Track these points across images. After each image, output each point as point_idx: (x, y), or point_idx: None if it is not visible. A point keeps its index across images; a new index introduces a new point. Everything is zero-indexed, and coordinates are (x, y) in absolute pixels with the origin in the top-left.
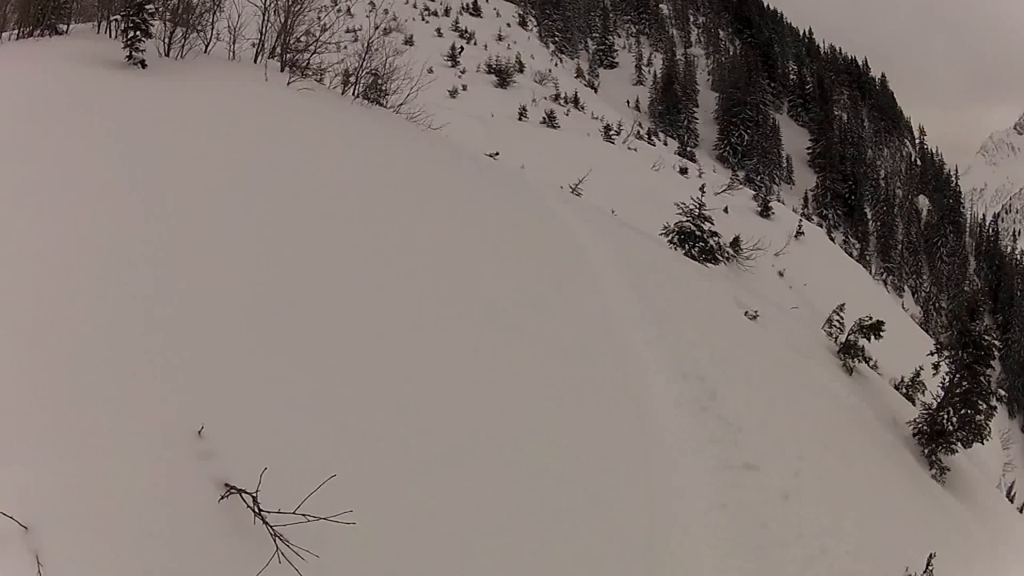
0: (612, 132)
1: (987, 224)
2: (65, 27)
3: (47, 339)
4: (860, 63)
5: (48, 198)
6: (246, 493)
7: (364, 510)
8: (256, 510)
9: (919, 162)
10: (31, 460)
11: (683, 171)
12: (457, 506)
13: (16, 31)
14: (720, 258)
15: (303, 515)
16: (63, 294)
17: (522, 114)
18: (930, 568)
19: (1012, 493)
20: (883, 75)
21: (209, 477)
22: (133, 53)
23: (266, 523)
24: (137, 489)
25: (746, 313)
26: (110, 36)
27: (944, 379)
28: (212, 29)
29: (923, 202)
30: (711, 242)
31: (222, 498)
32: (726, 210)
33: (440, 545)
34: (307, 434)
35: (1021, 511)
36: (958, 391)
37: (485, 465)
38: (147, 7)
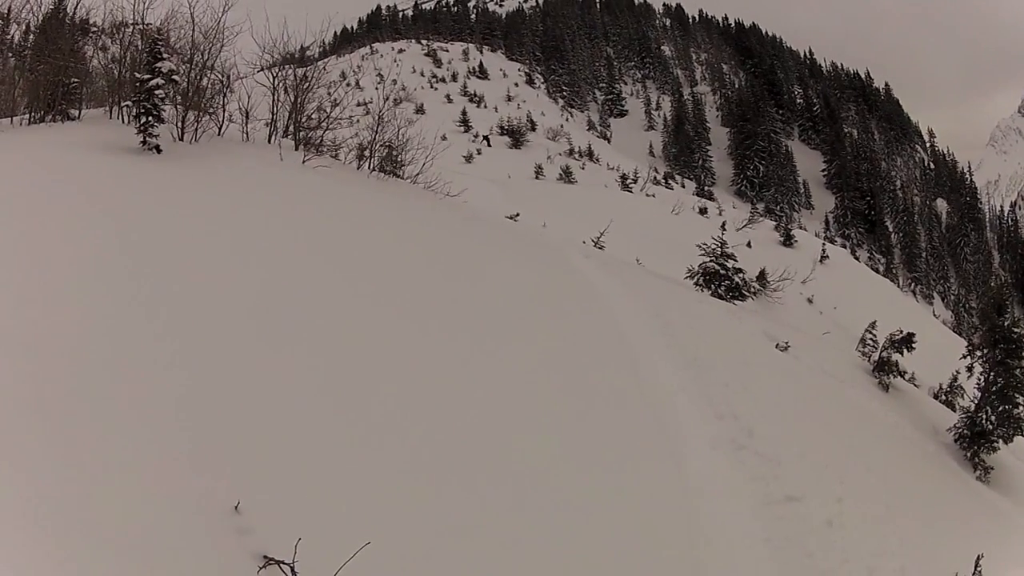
0: (629, 181)
1: (1006, 215)
2: (77, 112)
3: (74, 422)
4: (863, 76)
5: (56, 289)
6: (284, 564)
7: (400, 571)
8: None
9: (932, 166)
10: (75, 546)
11: (703, 211)
12: (496, 560)
13: (27, 116)
14: (747, 294)
15: None
16: (82, 376)
17: (538, 172)
18: (978, 569)
19: None
20: (887, 84)
21: (247, 551)
22: (147, 138)
23: None
24: (180, 567)
25: (777, 345)
26: (123, 121)
27: (979, 380)
28: (224, 111)
29: (941, 205)
30: (736, 279)
31: (261, 569)
32: (749, 244)
33: None
34: (342, 502)
35: None
36: (994, 389)
37: (526, 517)
38: (157, 92)
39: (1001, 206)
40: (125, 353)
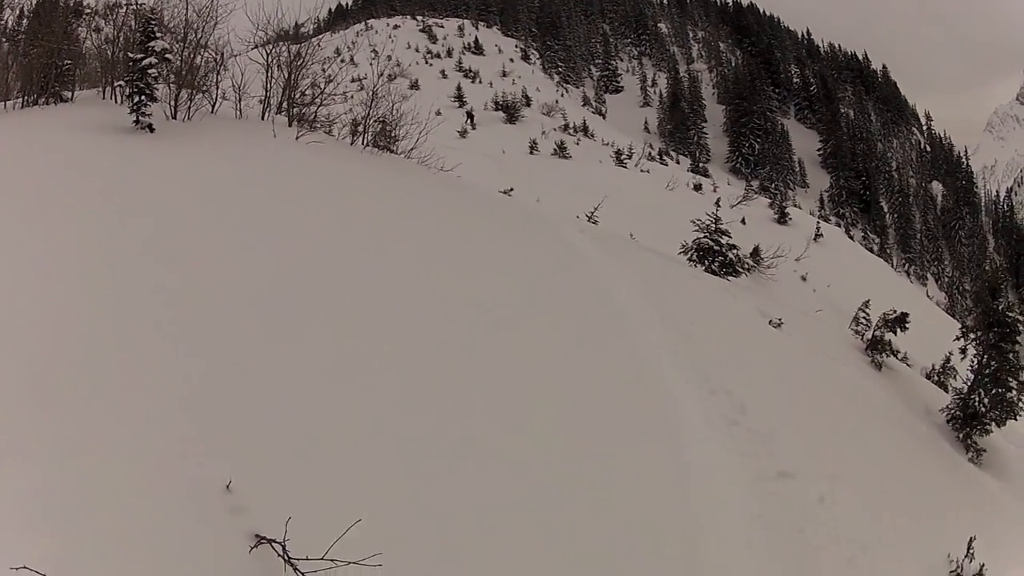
0: (624, 157)
1: (1001, 200)
2: (70, 94)
3: (68, 406)
4: (860, 57)
5: (53, 271)
6: (276, 542)
7: (393, 550)
8: (286, 558)
9: (928, 148)
10: (66, 526)
11: (697, 187)
12: (487, 538)
13: (20, 100)
14: (741, 270)
15: (331, 560)
16: (76, 360)
17: (533, 148)
18: (971, 551)
19: None
20: (884, 66)
21: (240, 529)
22: (140, 118)
23: (297, 570)
24: (173, 544)
25: (770, 322)
26: (116, 102)
27: (972, 362)
28: (217, 89)
29: (937, 188)
30: (730, 255)
31: (253, 548)
32: (743, 221)
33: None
34: (332, 478)
35: None
36: (987, 371)
37: (515, 492)
38: (150, 71)
39: (997, 191)
40: (126, 334)
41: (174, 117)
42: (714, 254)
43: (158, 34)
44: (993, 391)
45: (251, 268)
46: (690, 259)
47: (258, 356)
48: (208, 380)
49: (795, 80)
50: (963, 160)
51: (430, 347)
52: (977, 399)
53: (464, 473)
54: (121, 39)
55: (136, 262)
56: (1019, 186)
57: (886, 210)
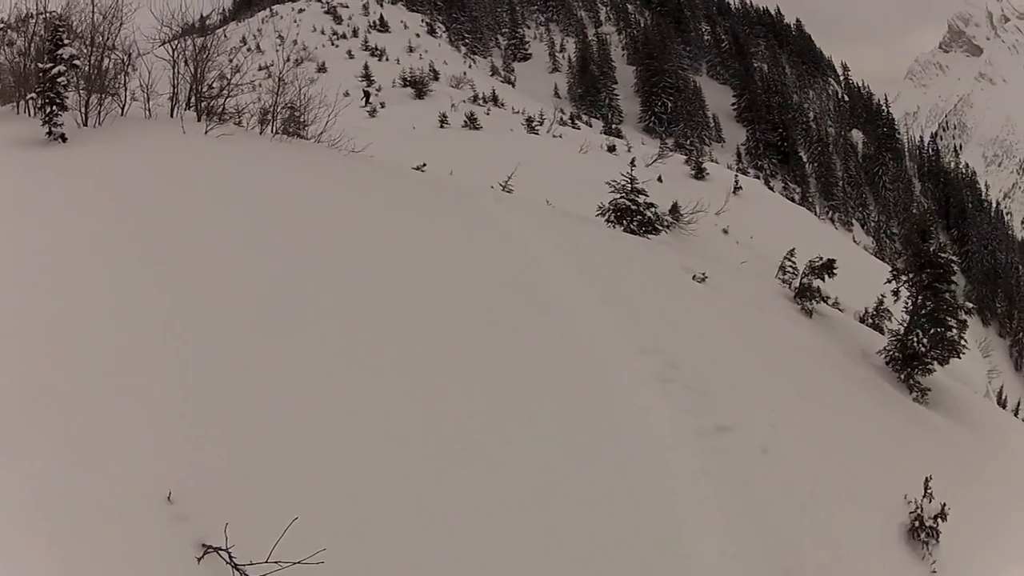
0: (535, 123)
1: (926, 145)
2: None
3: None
4: (773, 12)
5: None
6: (223, 550)
7: (338, 546)
8: (234, 565)
9: (846, 98)
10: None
11: (611, 149)
12: (429, 521)
13: None
14: (661, 227)
15: (275, 562)
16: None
17: (443, 121)
18: (929, 491)
19: (1003, 398)
20: (798, 20)
21: (186, 539)
22: (52, 128)
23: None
24: (121, 561)
25: (694, 277)
26: (30, 115)
27: (906, 303)
28: (125, 90)
29: (857, 136)
30: (648, 214)
31: (200, 558)
32: (660, 179)
33: (421, 562)
34: (273, 479)
35: (1017, 414)
36: (923, 312)
37: (451, 475)
38: (59, 80)
39: (921, 137)
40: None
41: (85, 124)
42: (632, 214)
43: (66, 41)
44: (932, 331)
45: (165, 265)
46: (608, 220)
47: (173, 348)
48: (121, 386)
49: (706, 37)
50: (883, 108)
51: (347, 322)
52: (916, 339)
53: (400, 452)
54: (32, 50)
55: (39, 275)
56: (944, 131)
57: (805, 160)
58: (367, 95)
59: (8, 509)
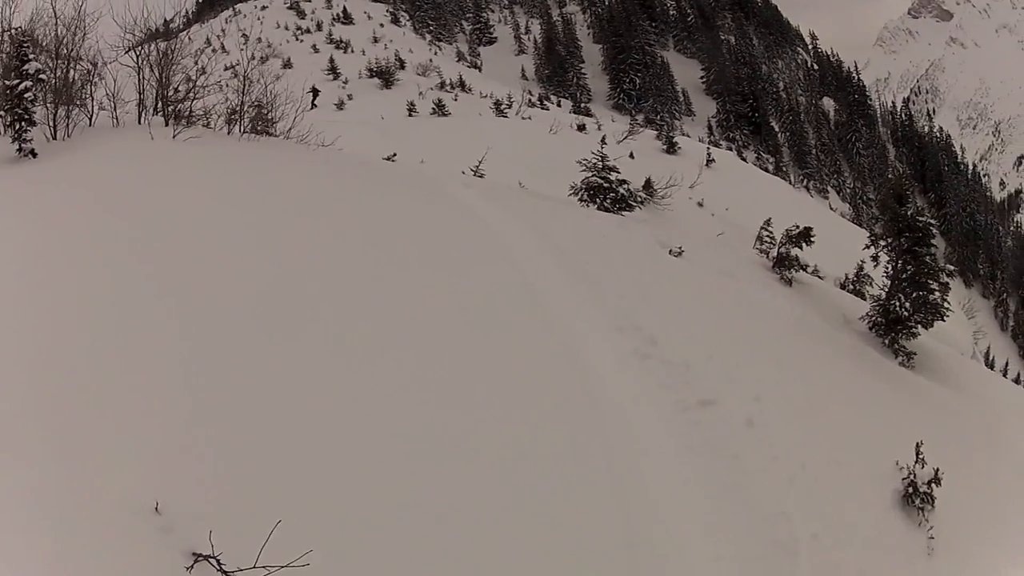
0: (503, 107)
1: (899, 110)
2: None
3: None
4: None
5: None
6: (212, 558)
7: (325, 547)
8: (223, 571)
9: (816, 66)
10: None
11: (581, 128)
12: (412, 518)
13: None
14: (634, 204)
15: (263, 567)
16: None
17: (411, 110)
18: (920, 456)
19: (991, 358)
20: None
21: (175, 548)
22: (22, 145)
23: None
24: (112, 569)
25: (670, 252)
26: (0, 133)
27: (887, 268)
28: (92, 100)
29: (828, 103)
30: (621, 190)
31: (190, 568)
32: (632, 155)
33: (407, 559)
34: (260, 484)
35: (1005, 374)
36: (904, 276)
37: (433, 469)
38: (26, 95)
39: (893, 102)
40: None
41: (54, 137)
42: (605, 191)
43: (31, 56)
44: (914, 295)
45: (144, 271)
46: (581, 199)
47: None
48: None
49: (672, 12)
50: (853, 75)
51: (319, 316)
52: (898, 304)
53: (382, 446)
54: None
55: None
56: (916, 96)
57: (777, 130)
58: (315, 94)
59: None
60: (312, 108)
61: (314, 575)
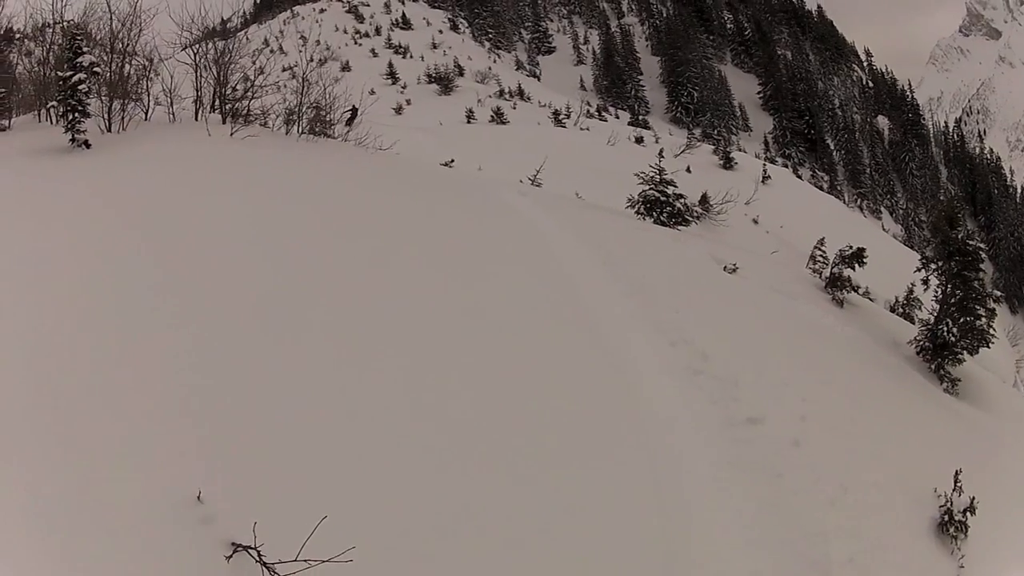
0: (562, 116)
1: (951, 131)
2: (7, 122)
3: (34, 427)
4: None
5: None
6: (252, 549)
7: (366, 544)
8: (263, 563)
9: (871, 84)
10: (39, 545)
11: (639, 140)
12: (457, 519)
13: None
14: (690, 218)
15: (304, 561)
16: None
17: (470, 117)
18: (959, 484)
19: None
20: (819, 5)
21: (215, 538)
22: (75, 135)
23: (275, 574)
24: (151, 559)
25: (725, 268)
26: (51, 123)
27: (936, 292)
28: (148, 95)
29: (883, 122)
30: (678, 205)
31: (229, 557)
32: (688, 170)
33: (446, 564)
34: (301, 478)
35: None
36: (952, 301)
37: (481, 472)
38: (80, 87)
39: (945, 122)
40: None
41: (109, 130)
42: (661, 205)
43: (85, 49)
44: (961, 320)
45: (204, 270)
46: (637, 212)
47: (204, 353)
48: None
49: (729, 26)
50: (907, 93)
51: (377, 320)
52: (945, 329)
53: (430, 452)
54: (52, 59)
55: (74, 281)
56: (968, 116)
57: (832, 148)
58: (353, 114)
59: (37, 506)
60: (348, 128)
61: (354, 571)
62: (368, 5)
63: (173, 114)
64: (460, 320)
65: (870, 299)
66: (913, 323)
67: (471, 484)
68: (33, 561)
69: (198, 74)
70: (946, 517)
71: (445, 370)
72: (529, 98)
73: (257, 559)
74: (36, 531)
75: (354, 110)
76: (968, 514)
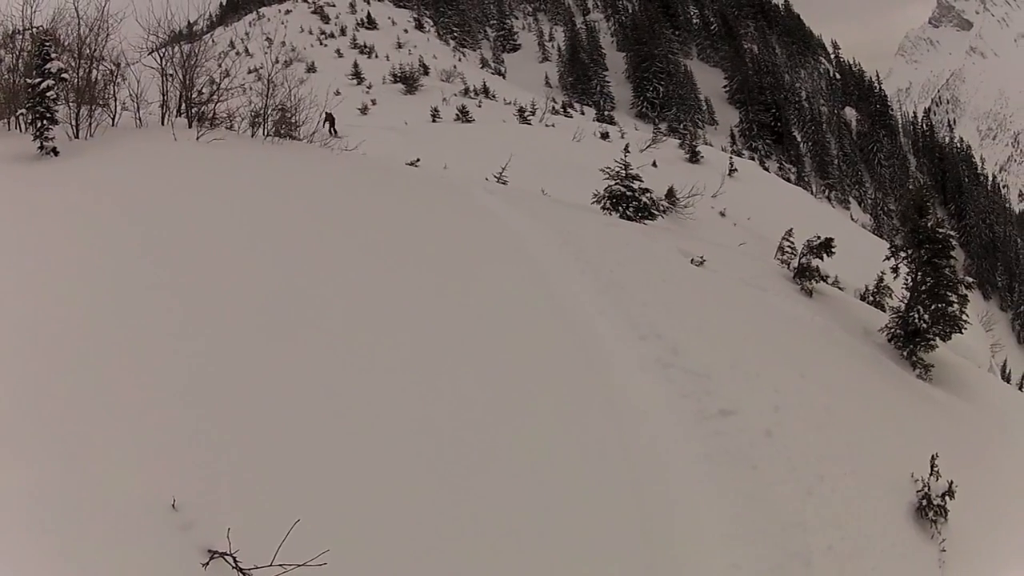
0: (527, 114)
1: (920, 120)
2: None
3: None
4: None
5: None
6: (228, 555)
7: (340, 548)
8: (239, 569)
9: (838, 76)
10: (18, 551)
11: (604, 136)
12: (430, 521)
13: None
14: (657, 212)
15: (280, 565)
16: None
17: (435, 115)
18: (935, 469)
19: (1007, 372)
20: (786, 0)
21: (192, 545)
22: (43, 143)
23: None
24: (128, 567)
25: (693, 261)
26: (21, 131)
27: (906, 280)
28: (115, 101)
29: (850, 113)
30: (644, 199)
31: (206, 564)
32: (655, 164)
33: (420, 565)
34: (276, 483)
35: (1021, 388)
36: (923, 288)
37: (459, 471)
38: (48, 93)
39: (914, 112)
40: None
41: (77, 136)
42: (627, 200)
43: (53, 55)
44: (932, 307)
45: (163, 271)
46: (604, 207)
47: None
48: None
49: (695, 21)
50: (875, 85)
51: (344, 321)
52: (917, 316)
53: (406, 451)
54: (21, 66)
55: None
56: (937, 106)
57: (800, 140)
58: (331, 121)
59: (11, 514)
60: (332, 135)
61: (328, 574)
62: (333, 5)
63: (140, 119)
64: (435, 318)
65: (840, 288)
66: (884, 311)
67: (448, 484)
68: (8, 568)
69: (164, 78)
70: (924, 502)
71: (423, 368)
72: (494, 96)
73: (233, 565)
74: (11, 535)
75: (330, 117)
76: (947, 498)
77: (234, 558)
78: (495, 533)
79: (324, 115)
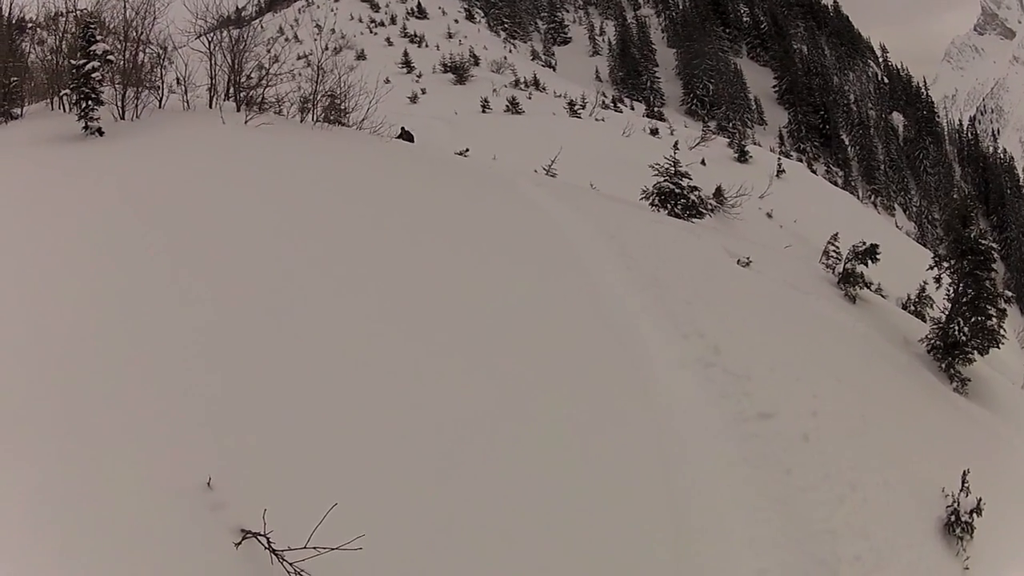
0: (577, 107)
1: (965, 129)
2: (19, 110)
3: (44, 414)
4: None
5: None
6: (261, 536)
7: (375, 532)
8: (272, 550)
9: (886, 80)
10: (60, 528)
11: (654, 132)
12: (465, 510)
13: None
14: (704, 211)
15: (314, 548)
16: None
17: (485, 106)
18: (966, 485)
19: None
20: (835, 1)
21: (224, 525)
22: (88, 123)
23: (284, 561)
24: (159, 545)
25: (738, 261)
26: (64, 111)
27: (948, 290)
28: (163, 83)
29: (898, 119)
30: (692, 197)
31: (238, 543)
32: (703, 162)
33: (455, 553)
34: (312, 466)
35: None
36: (964, 300)
37: (494, 463)
38: (94, 75)
39: (960, 120)
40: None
41: (123, 117)
42: (676, 197)
43: (98, 37)
44: (972, 319)
45: (218, 259)
46: (652, 204)
47: (222, 345)
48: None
49: (745, 19)
50: (923, 90)
51: (381, 307)
52: (956, 328)
53: (441, 438)
54: (64, 47)
55: (88, 267)
56: (982, 115)
57: (847, 143)
58: (408, 137)
59: (46, 494)
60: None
61: (364, 559)
62: None
63: (187, 102)
64: (475, 309)
65: (882, 296)
66: (925, 321)
67: (484, 475)
68: (39, 547)
69: (212, 62)
70: (952, 517)
71: (463, 358)
72: (544, 88)
73: (266, 546)
74: (41, 517)
75: (407, 133)
76: (974, 515)
77: (267, 538)
78: (528, 527)
79: (400, 130)
